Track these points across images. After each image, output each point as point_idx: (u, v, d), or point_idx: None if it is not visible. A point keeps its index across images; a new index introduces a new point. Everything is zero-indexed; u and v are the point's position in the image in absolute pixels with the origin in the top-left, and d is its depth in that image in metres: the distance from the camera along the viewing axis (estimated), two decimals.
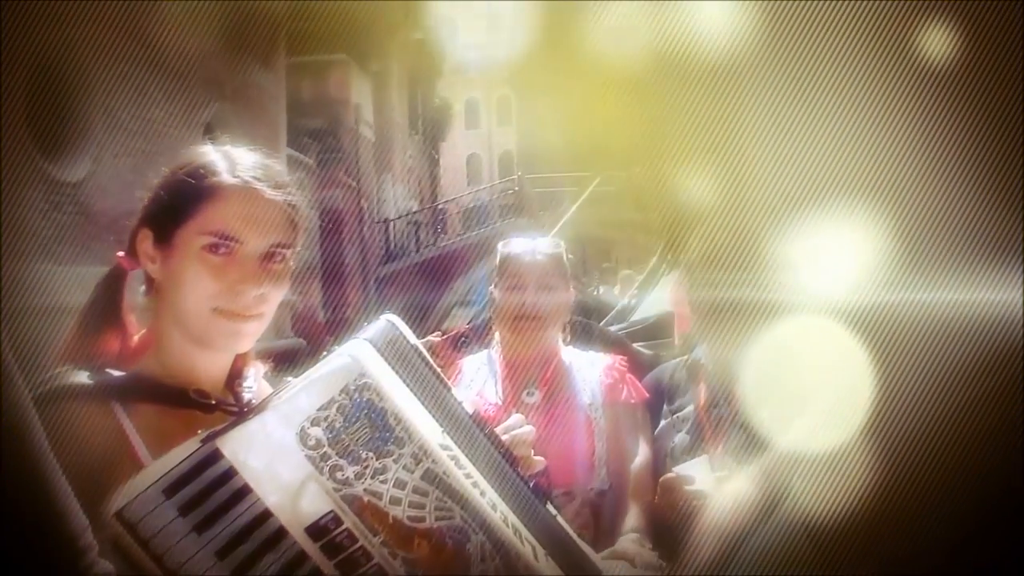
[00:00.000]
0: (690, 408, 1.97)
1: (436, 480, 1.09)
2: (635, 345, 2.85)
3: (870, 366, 1.14)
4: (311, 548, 1.06)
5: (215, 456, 1.06)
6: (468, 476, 1.12)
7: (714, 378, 1.91)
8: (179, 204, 1.20)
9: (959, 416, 1.08)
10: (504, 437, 1.26)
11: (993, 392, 1.08)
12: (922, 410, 1.10)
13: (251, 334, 1.23)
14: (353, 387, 1.08)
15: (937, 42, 1.11)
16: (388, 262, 18.49)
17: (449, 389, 1.20)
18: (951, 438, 1.09)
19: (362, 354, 1.10)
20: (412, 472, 1.09)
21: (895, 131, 1.13)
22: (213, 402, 1.19)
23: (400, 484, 1.08)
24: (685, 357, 2.10)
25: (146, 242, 1.23)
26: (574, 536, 1.24)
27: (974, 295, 1.08)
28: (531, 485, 1.22)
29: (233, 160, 1.23)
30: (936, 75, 1.10)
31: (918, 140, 1.12)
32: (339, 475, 1.07)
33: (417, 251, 19.22)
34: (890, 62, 1.14)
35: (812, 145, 1.17)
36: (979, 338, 1.08)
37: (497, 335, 2.11)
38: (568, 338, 2.13)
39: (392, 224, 19.44)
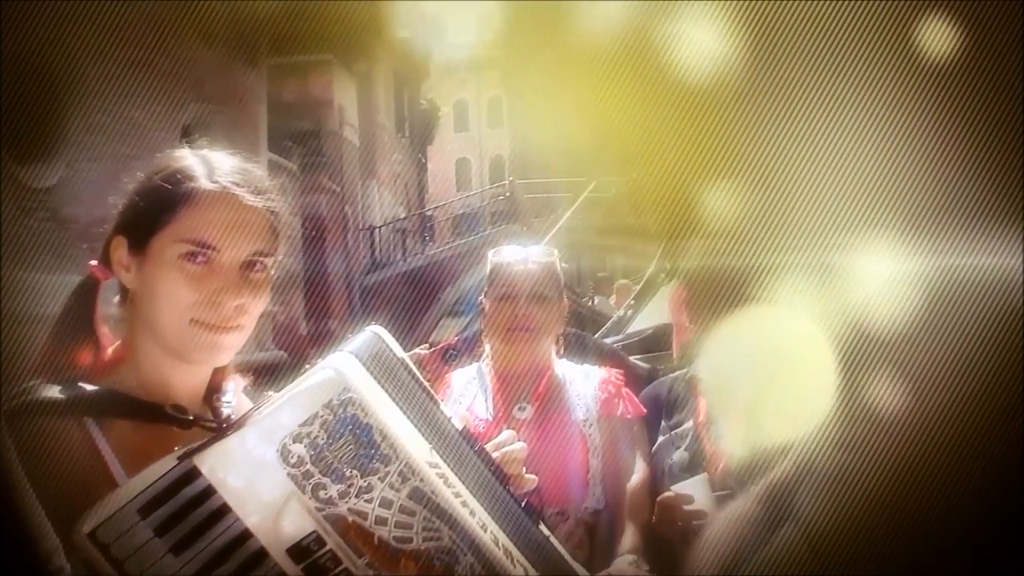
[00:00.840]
0: (689, 424, 1.94)
1: (424, 499, 1.08)
2: (632, 358, 2.82)
3: (874, 362, 1.12)
4: (292, 570, 1.05)
5: (193, 474, 1.04)
6: (457, 495, 1.10)
7: (714, 392, 1.88)
8: (154, 210, 1.17)
9: (961, 404, 1.07)
10: (495, 454, 1.24)
11: (994, 376, 1.07)
12: (925, 400, 1.08)
13: (230, 346, 1.21)
14: (337, 402, 1.06)
15: (930, 29, 1.10)
16: (373, 271, 18.43)
17: (437, 404, 1.18)
18: (957, 426, 1.07)
19: (346, 367, 1.08)
20: (399, 491, 1.07)
21: (894, 121, 1.12)
22: (191, 417, 1.17)
23: (386, 503, 1.07)
24: (684, 370, 2.07)
25: (120, 250, 1.20)
26: (568, 558, 1.22)
27: (975, 261, 1.07)
28: (523, 504, 1.20)
29: (211, 164, 1.21)
30: (935, 58, 1.09)
31: (916, 129, 1.11)
32: (322, 494, 1.05)
33: (404, 260, 19.17)
34: (885, 52, 1.13)
35: (812, 142, 1.16)
36: (980, 316, 1.07)
37: (488, 347, 2.09)
38: (561, 351, 2.11)
39: (378, 231, 19.40)
